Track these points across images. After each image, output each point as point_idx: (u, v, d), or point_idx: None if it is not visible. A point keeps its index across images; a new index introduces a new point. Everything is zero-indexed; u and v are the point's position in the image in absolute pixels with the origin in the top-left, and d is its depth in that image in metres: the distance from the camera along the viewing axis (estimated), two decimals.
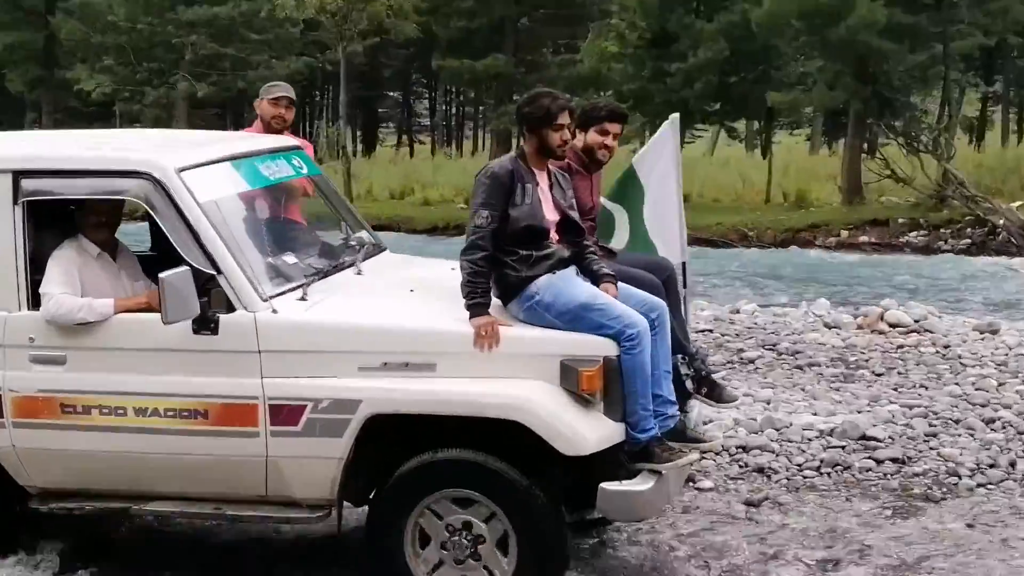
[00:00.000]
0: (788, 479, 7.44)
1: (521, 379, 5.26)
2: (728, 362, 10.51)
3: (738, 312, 12.88)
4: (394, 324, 5.50)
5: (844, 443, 7.86)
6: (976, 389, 9.09)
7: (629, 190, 6.99)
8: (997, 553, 6.15)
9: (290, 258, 5.87)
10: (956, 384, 9.30)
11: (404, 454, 5.37)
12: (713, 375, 6.32)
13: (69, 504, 5.69)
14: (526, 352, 5.34)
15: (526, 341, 5.35)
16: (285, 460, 5.35)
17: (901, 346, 10.86)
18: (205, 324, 5.25)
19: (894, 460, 7.61)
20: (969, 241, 25.75)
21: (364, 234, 6.52)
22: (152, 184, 5.34)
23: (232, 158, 5.93)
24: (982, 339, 10.85)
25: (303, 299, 5.46)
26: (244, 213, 5.97)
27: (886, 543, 6.35)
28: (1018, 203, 27.31)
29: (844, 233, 27.51)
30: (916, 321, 11.93)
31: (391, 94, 68.72)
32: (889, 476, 7.50)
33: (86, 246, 5.69)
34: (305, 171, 6.61)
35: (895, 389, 9.32)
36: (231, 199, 5.78)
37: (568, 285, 5.49)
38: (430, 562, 5.36)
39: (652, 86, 34.96)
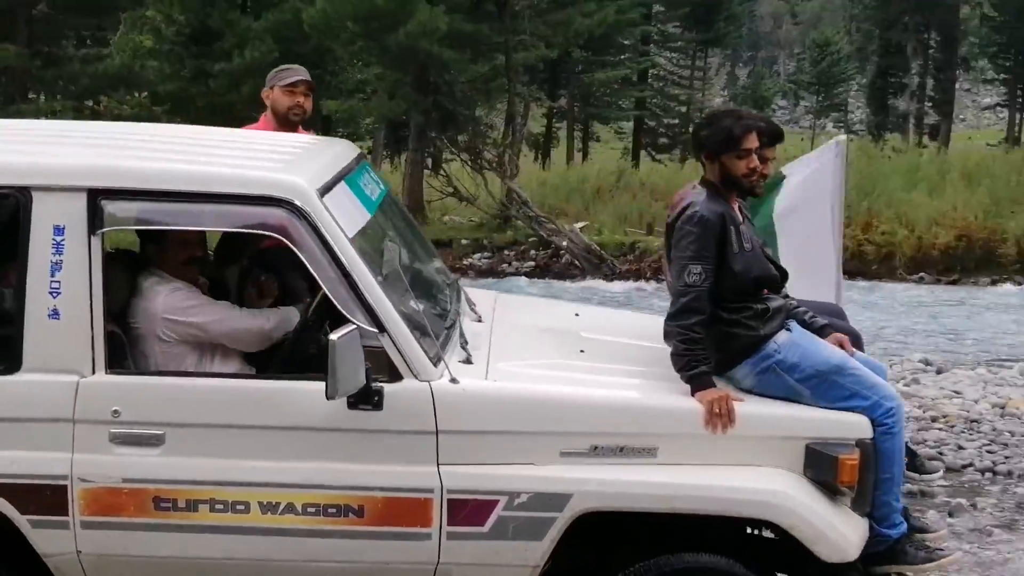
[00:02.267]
0: None
1: (759, 467, 4.79)
2: None
3: None
4: (606, 398, 4.89)
5: None
6: None
7: (757, 210, 6.78)
8: None
9: (417, 305, 4.90)
10: None
11: (592, 558, 4.92)
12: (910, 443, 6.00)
13: None
14: (767, 434, 4.87)
15: (767, 420, 4.89)
16: (462, 568, 4.73)
17: None
18: (367, 398, 4.50)
19: None
20: (533, 263, 27.12)
21: (439, 264, 6.07)
22: (292, 214, 4.59)
23: (343, 174, 5.17)
24: None
25: (468, 362, 4.88)
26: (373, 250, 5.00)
27: None
28: (581, 224, 29.06)
29: None
30: None
31: None
32: None
33: (170, 282, 4.98)
34: (382, 188, 5.81)
35: None
36: (365, 231, 4.96)
37: (812, 343, 5.13)
38: None
39: (193, 88, 34.44)
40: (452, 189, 30.28)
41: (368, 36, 30.61)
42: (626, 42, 58.11)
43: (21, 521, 4.57)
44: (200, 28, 34.58)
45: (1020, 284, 24.14)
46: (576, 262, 25.98)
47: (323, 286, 4.61)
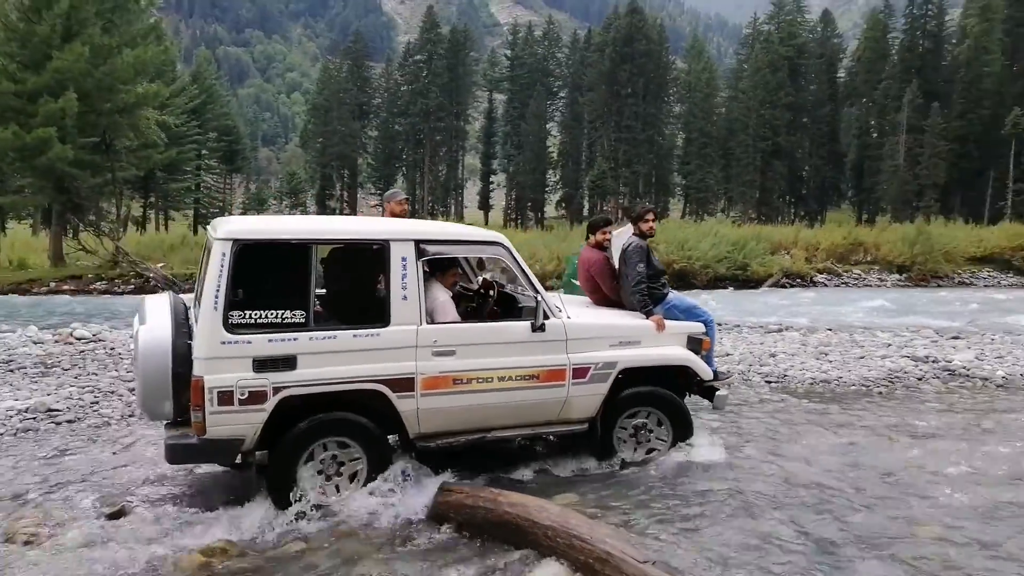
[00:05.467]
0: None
1: (674, 346, 5.57)
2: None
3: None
4: (622, 323, 5.55)
5: (34, 416, 6.99)
6: (128, 372, 8.69)
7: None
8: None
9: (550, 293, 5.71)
10: (115, 370, 9.01)
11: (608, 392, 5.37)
12: None
13: (449, 439, 4.94)
14: (675, 332, 5.63)
15: (675, 327, 5.67)
16: (576, 398, 5.22)
17: (83, 351, 10.31)
18: (541, 327, 5.06)
19: (69, 421, 6.91)
20: (132, 286, 24.19)
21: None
22: (503, 248, 5.09)
23: None
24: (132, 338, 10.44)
25: (564, 311, 5.33)
26: None
27: None
28: (161, 264, 26.94)
29: (52, 284, 24.49)
30: (94, 335, 11.48)
31: None
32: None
33: (444, 289, 5.30)
34: None
35: (75, 377, 8.73)
36: None
37: (683, 298, 6.01)
38: (625, 435, 5.51)
39: None
40: (81, 247, 26.57)
41: (22, 160, 26.11)
42: (187, 168, 53.73)
43: (392, 396, 4.73)
44: None
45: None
46: (159, 286, 23.69)
47: (520, 280, 5.15)
